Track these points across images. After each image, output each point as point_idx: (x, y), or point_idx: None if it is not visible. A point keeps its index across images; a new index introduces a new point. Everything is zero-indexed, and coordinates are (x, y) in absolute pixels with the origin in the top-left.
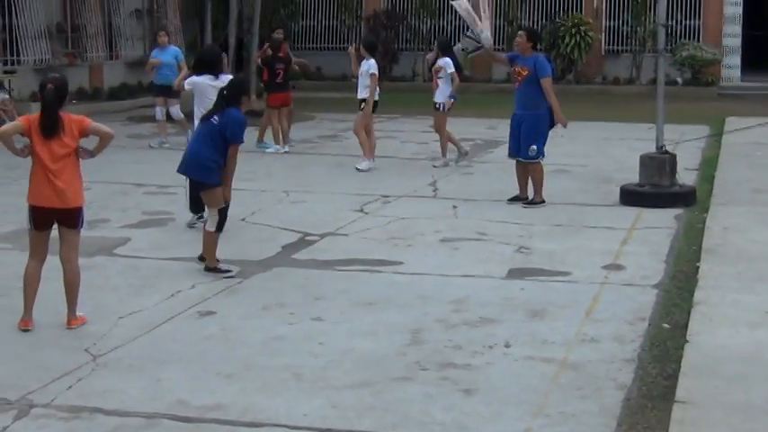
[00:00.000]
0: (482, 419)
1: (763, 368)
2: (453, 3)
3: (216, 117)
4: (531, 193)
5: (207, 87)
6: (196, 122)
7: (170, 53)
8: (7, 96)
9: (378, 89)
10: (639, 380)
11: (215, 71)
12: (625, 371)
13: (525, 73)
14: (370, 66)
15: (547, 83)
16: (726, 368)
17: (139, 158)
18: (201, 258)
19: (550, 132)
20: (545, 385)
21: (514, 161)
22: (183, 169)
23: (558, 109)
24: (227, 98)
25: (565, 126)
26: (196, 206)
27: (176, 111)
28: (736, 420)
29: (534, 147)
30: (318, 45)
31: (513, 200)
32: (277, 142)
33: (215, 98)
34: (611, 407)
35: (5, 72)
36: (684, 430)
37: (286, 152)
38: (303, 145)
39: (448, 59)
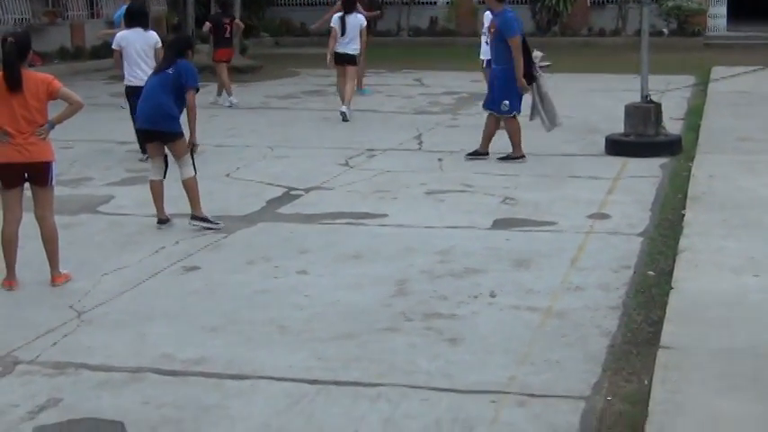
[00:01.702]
0: (467, 368)
1: (746, 312)
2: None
3: (170, 69)
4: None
5: (136, 42)
6: (127, 81)
7: None
8: None
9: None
10: (624, 326)
11: (144, 25)
12: (610, 318)
13: (493, 29)
14: (360, 20)
15: (513, 42)
16: (710, 313)
17: (122, 116)
18: (195, 218)
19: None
20: (530, 334)
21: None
22: (147, 124)
23: (520, 72)
24: (176, 50)
25: (522, 92)
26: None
27: None
28: (720, 364)
29: (507, 102)
30: (302, 0)
31: (473, 155)
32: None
33: (144, 54)
34: (595, 353)
35: None
36: (669, 375)
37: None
38: (287, 100)
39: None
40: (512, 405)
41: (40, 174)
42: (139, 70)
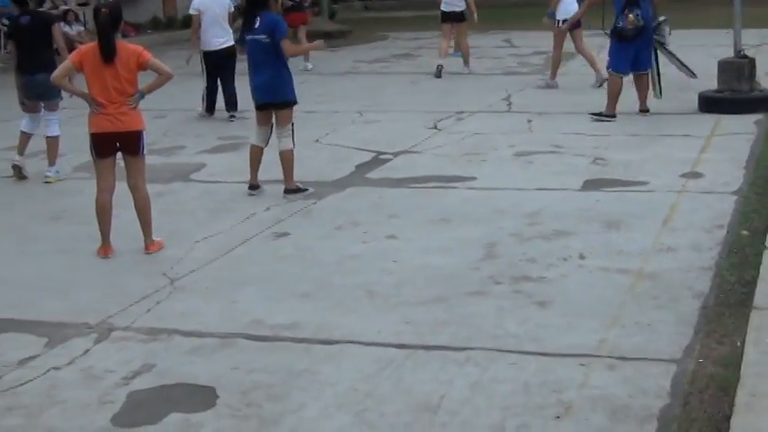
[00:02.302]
0: (556, 331)
1: None
2: None
3: (257, 30)
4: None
5: (214, 6)
6: (207, 46)
7: None
8: (82, 28)
9: None
10: (717, 287)
11: None
12: (702, 279)
13: None
14: None
15: None
16: None
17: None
18: (288, 191)
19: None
20: (620, 296)
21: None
22: (268, 98)
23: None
24: (257, 3)
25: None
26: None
27: None
28: None
29: (608, 58)
30: None
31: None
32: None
33: (221, 19)
34: (687, 315)
35: (79, 4)
36: (762, 336)
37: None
38: (376, 65)
39: None
40: (601, 368)
41: (131, 143)
42: (216, 36)
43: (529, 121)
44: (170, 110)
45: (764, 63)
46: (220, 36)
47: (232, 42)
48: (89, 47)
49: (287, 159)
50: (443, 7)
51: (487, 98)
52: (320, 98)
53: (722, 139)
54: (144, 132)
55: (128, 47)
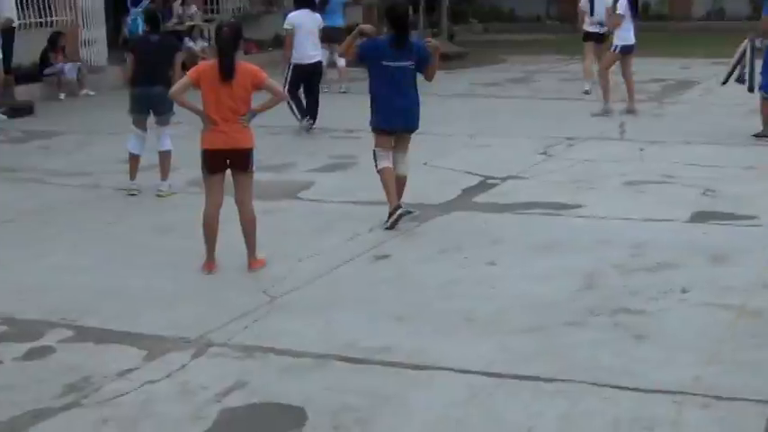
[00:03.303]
0: (651, 365)
1: None
2: None
3: (404, 56)
4: None
5: (306, 23)
6: (295, 61)
7: None
8: (206, 44)
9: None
10: None
11: (312, 5)
12: None
13: None
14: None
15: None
16: None
17: (327, 103)
18: (398, 207)
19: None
20: (721, 332)
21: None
22: (405, 124)
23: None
24: (404, 25)
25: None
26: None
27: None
28: None
29: (761, 79)
30: None
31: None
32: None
33: (312, 35)
34: None
35: (206, 21)
36: None
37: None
38: (492, 88)
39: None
40: (695, 406)
41: (241, 160)
42: (309, 50)
43: (641, 149)
44: (284, 126)
45: None
46: (312, 50)
47: (320, 58)
48: (208, 64)
49: (404, 183)
50: (588, 27)
51: (600, 125)
52: (433, 120)
53: None
54: (254, 150)
55: (245, 66)
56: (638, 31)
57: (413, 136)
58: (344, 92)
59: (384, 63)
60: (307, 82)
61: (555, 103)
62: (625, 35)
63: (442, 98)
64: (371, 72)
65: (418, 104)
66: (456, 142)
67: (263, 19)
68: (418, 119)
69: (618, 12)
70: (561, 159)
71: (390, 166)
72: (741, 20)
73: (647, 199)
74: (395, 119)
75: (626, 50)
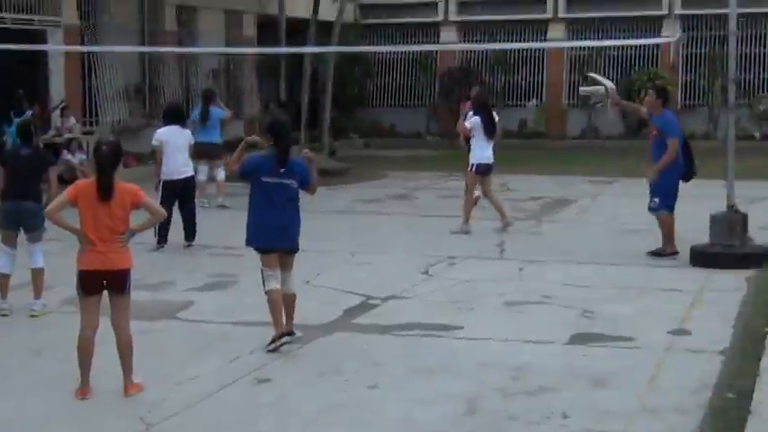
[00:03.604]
0: None
1: None
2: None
3: (285, 173)
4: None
5: (175, 139)
6: (165, 177)
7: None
8: (85, 157)
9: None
10: None
11: (182, 121)
12: None
13: (654, 133)
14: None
15: (672, 144)
16: None
17: (206, 219)
18: (284, 334)
19: (624, 190)
20: None
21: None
22: (282, 244)
23: (663, 166)
24: (286, 141)
25: (648, 179)
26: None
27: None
28: None
29: (656, 199)
30: (392, 102)
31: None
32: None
33: (183, 151)
34: None
35: (84, 133)
36: None
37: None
38: (373, 204)
39: (476, 118)
40: None
41: (118, 281)
42: (179, 165)
43: (520, 269)
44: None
45: (756, 217)
46: (182, 166)
47: (193, 173)
48: (86, 183)
49: (293, 302)
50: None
51: (480, 243)
52: (314, 237)
53: (712, 295)
54: (131, 271)
55: (124, 186)
56: (519, 149)
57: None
58: (224, 206)
59: (264, 179)
60: (180, 198)
61: (435, 220)
62: (480, 154)
63: (323, 214)
64: (252, 187)
65: (297, 224)
66: (337, 260)
67: (143, 132)
68: (295, 239)
69: (467, 124)
70: (442, 279)
71: (278, 287)
72: (614, 139)
73: (527, 320)
74: (269, 237)
75: (482, 170)
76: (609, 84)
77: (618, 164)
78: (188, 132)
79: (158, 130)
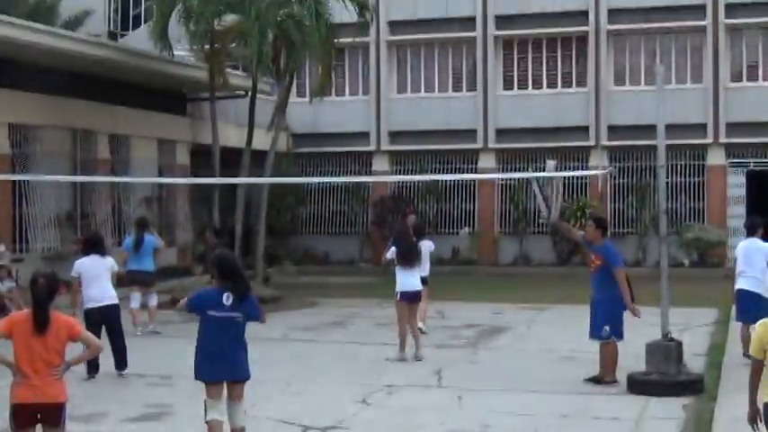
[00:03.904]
0: None
1: None
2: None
3: (232, 309)
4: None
5: (95, 267)
6: (86, 306)
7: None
8: (14, 285)
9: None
10: None
11: (101, 250)
12: None
13: (599, 262)
14: (429, 245)
15: (618, 273)
16: None
17: (139, 347)
18: None
19: (557, 317)
20: None
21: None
22: (230, 375)
23: (629, 298)
24: (233, 276)
25: (637, 316)
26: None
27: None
28: None
29: (607, 327)
30: (326, 230)
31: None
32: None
33: (104, 279)
34: None
35: (13, 260)
36: None
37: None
38: (308, 332)
39: (393, 248)
40: None
41: (52, 415)
42: (99, 292)
43: (459, 397)
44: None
45: (691, 344)
46: (103, 294)
47: (116, 301)
48: (21, 315)
49: None
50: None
51: (418, 371)
52: (259, 367)
53: (651, 423)
54: (66, 404)
55: (60, 318)
56: (452, 276)
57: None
58: (156, 332)
59: (210, 313)
60: (106, 326)
61: (372, 347)
62: (404, 281)
63: (258, 342)
64: (200, 320)
65: (245, 355)
66: (273, 389)
67: (75, 258)
68: (243, 368)
69: (386, 255)
70: (381, 408)
71: (219, 418)
72: (546, 266)
73: None
74: (216, 369)
75: (407, 297)
76: (552, 210)
77: (550, 291)
78: (109, 260)
79: (77, 261)
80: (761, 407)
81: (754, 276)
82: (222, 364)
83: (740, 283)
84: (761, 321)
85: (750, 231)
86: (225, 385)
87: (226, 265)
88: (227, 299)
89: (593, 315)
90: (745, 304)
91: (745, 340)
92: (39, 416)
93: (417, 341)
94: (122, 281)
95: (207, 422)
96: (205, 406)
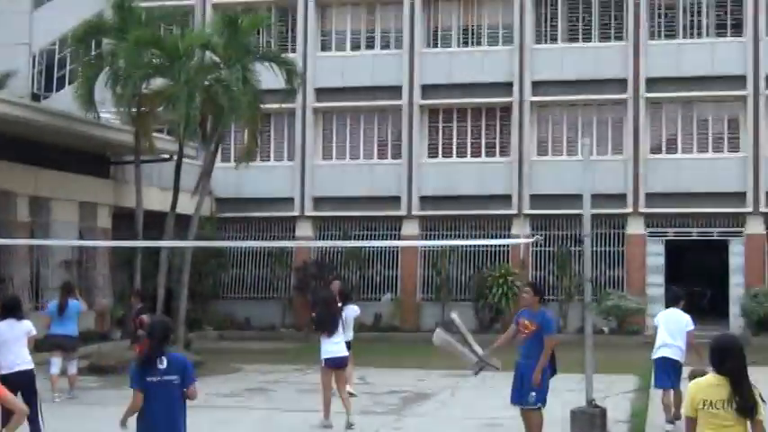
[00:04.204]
0: None
1: None
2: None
3: (167, 371)
4: None
5: (11, 331)
6: (1, 371)
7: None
8: None
9: None
10: None
11: (18, 314)
12: None
13: (534, 327)
14: (355, 311)
15: (550, 340)
16: None
17: (57, 415)
18: None
19: (482, 383)
20: None
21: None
22: None
23: (542, 366)
24: (163, 339)
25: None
26: None
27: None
28: None
29: (533, 393)
30: (248, 294)
31: None
32: None
33: (21, 344)
34: None
35: None
36: None
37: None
38: (230, 399)
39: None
40: None
41: None
42: (13, 358)
43: None
44: None
45: (613, 411)
46: (17, 359)
47: (31, 366)
48: None
49: None
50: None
51: None
52: None
53: None
54: None
55: None
56: (374, 342)
57: None
58: (73, 398)
59: (148, 379)
60: (22, 392)
61: (296, 414)
62: (329, 348)
63: None
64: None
65: (183, 423)
66: None
67: None
68: None
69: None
70: None
71: None
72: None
73: None
74: None
75: (333, 363)
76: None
77: None
78: (26, 324)
79: None
80: None
81: (677, 346)
82: None
83: (662, 352)
84: (693, 382)
85: (672, 302)
86: None
87: (153, 328)
88: (161, 362)
89: (518, 380)
90: (667, 372)
91: (668, 406)
92: None
93: (348, 407)
94: (41, 346)
95: None
96: None
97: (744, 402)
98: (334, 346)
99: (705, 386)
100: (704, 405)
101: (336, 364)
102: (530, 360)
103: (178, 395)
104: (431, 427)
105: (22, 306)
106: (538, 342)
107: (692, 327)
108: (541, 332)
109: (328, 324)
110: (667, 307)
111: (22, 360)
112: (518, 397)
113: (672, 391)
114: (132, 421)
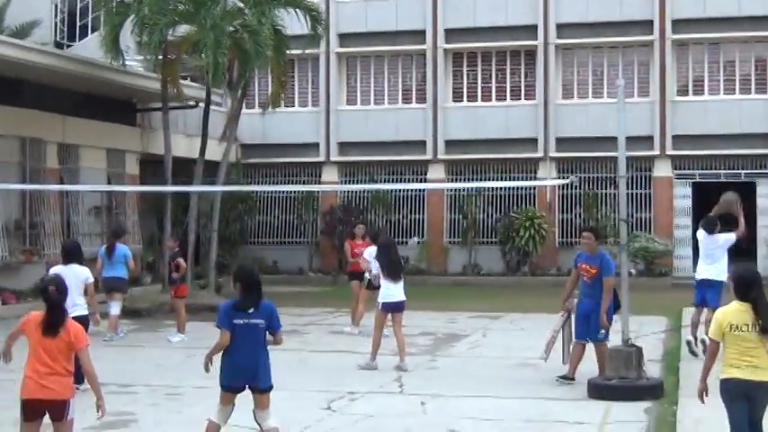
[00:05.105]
0: None
1: None
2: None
3: (254, 315)
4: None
5: (69, 277)
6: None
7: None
8: None
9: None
10: None
11: (79, 261)
12: None
13: (594, 270)
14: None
15: (608, 282)
16: None
17: (99, 356)
18: None
19: (511, 325)
20: None
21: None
22: (249, 381)
23: (606, 307)
24: (257, 289)
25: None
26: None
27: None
28: None
29: (603, 331)
30: (275, 239)
31: (563, 378)
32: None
33: (76, 289)
34: None
35: None
36: None
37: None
38: None
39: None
40: None
41: (58, 410)
42: (69, 303)
43: (422, 403)
44: None
45: (646, 350)
46: (71, 305)
47: (85, 312)
48: (35, 316)
49: None
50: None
51: (378, 378)
52: (207, 375)
53: (614, 426)
54: (71, 400)
55: (76, 326)
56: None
57: (191, 389)
58: (111, 340)
59: (234, 321)
60: None
61: (329, 355)
62: (385, 293)
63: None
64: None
65: (266, 362)
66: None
67: (24, 269)
68: (265, 377)
69: (365, 258)
70: (345, 414)
71: (218, 423)
72: (495, 275)
73: None
74: (238, 377)
75: (389, 308)
76: None
77: (500, 300)
78: (83, 271)
79: (52, 269)
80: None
81: (714, 266)
82: (242, 374)
83: (699, 274)
84: (719, 310)
85: (709, 228)
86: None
87: (242, 277)
88: (248, 306)
89: (583, 318)
90: (702, 292)
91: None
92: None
93: (402, 350)
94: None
95: (207, 419)
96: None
97: (766, 324)
98: (394, 290)
99: (731, 312)
100: (731, 328)
101: (394, 308)
102: (592, 300)
103: (262, 338)
104: (466, 366)
105: (82, 252)
106: (599, 283)
107: (732, 238)
108: (601, 274)
109: (392, 270)
110: (706, 232)
111: (78, 306)
112: (585, 333)
113: (704, 310)
114: (216, 359)
